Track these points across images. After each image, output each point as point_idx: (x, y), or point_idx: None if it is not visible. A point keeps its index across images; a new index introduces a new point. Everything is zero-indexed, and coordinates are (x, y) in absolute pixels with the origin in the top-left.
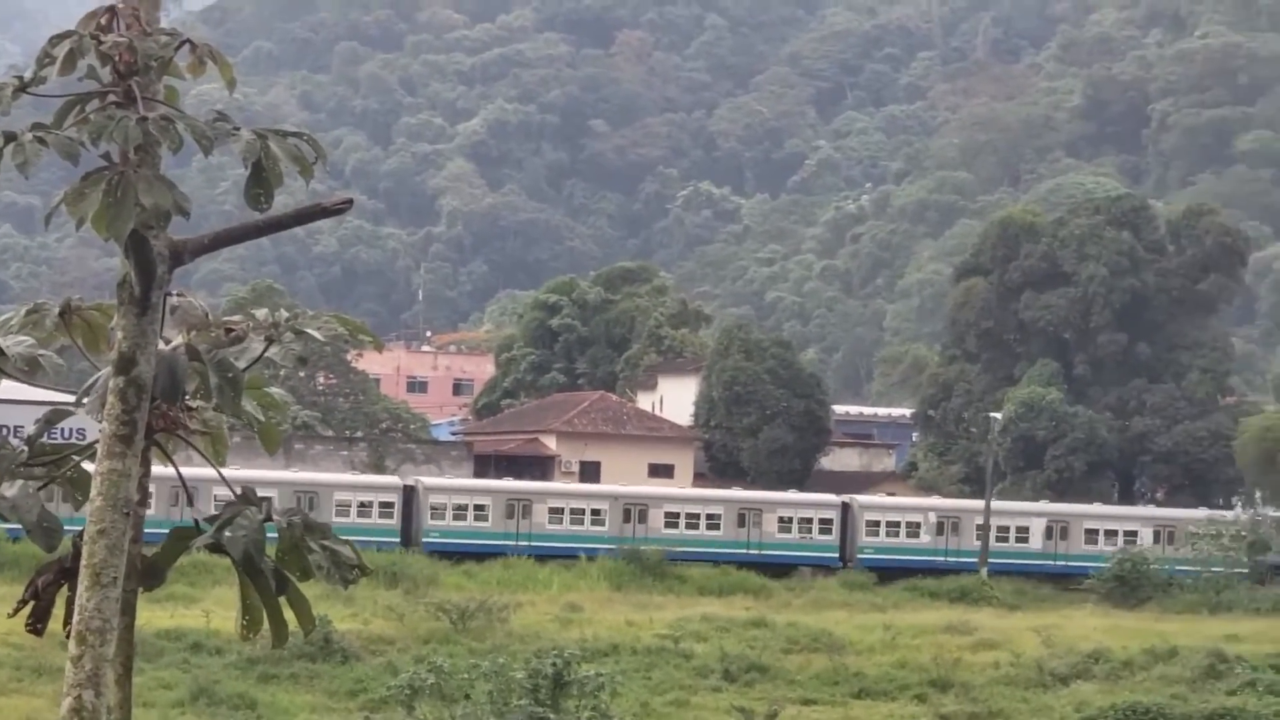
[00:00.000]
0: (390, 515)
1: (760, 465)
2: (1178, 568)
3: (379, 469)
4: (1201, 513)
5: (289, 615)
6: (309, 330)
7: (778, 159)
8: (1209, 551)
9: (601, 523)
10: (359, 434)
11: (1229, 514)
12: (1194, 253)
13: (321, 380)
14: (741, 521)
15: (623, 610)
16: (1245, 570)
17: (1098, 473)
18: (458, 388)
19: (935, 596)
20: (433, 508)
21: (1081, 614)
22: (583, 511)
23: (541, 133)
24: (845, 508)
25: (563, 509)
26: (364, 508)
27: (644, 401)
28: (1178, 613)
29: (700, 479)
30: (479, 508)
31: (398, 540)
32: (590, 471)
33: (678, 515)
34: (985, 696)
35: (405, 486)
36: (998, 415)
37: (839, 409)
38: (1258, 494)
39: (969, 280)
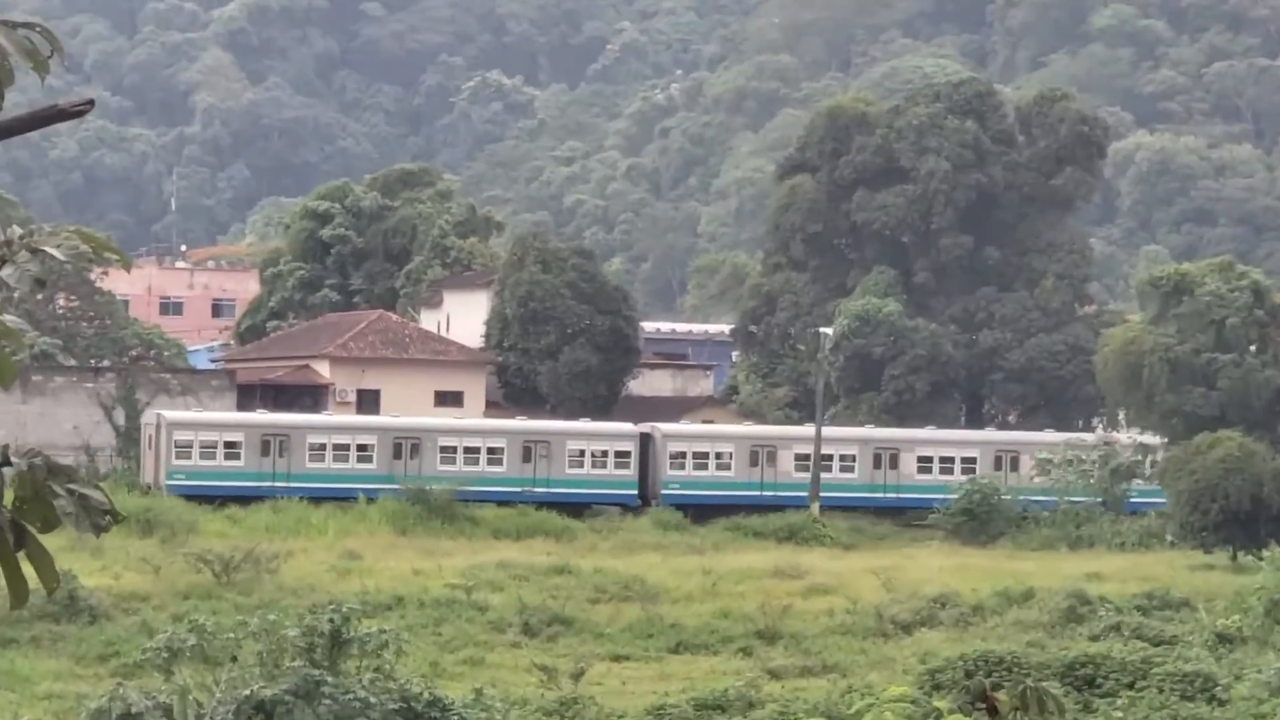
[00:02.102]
0: (627, 466)
1: (561, 390)
2: (1032, 499)
3: (130, 402)
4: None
5: (29, 572)
6: (47, 248)
7: (575, 44)
8: (1066, 480)
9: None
10: (105, 363)
11: (1089, 436)
12: (1047, 144)
13: (62, 303)
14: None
15: (408, 557)
16: (1105, 501)
17: (942, 393)
18: (217, 309)
19: (760, 536)
20: (672, 456)
21: (925, 553)
22: (830, 456)
23: (308, 18)
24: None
25: (806, 454)
26: (599, 458)
27: (428, 321)
28: (1033, 550)
29: (494, 408)
30: (720, 455)
31: (634, 494)
32: (369, 401)
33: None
34: (819, 648)
35: (642, 434)
36: (828, 331)
37: (649, 326)
38: (1120, 414)
39: (794, 178)
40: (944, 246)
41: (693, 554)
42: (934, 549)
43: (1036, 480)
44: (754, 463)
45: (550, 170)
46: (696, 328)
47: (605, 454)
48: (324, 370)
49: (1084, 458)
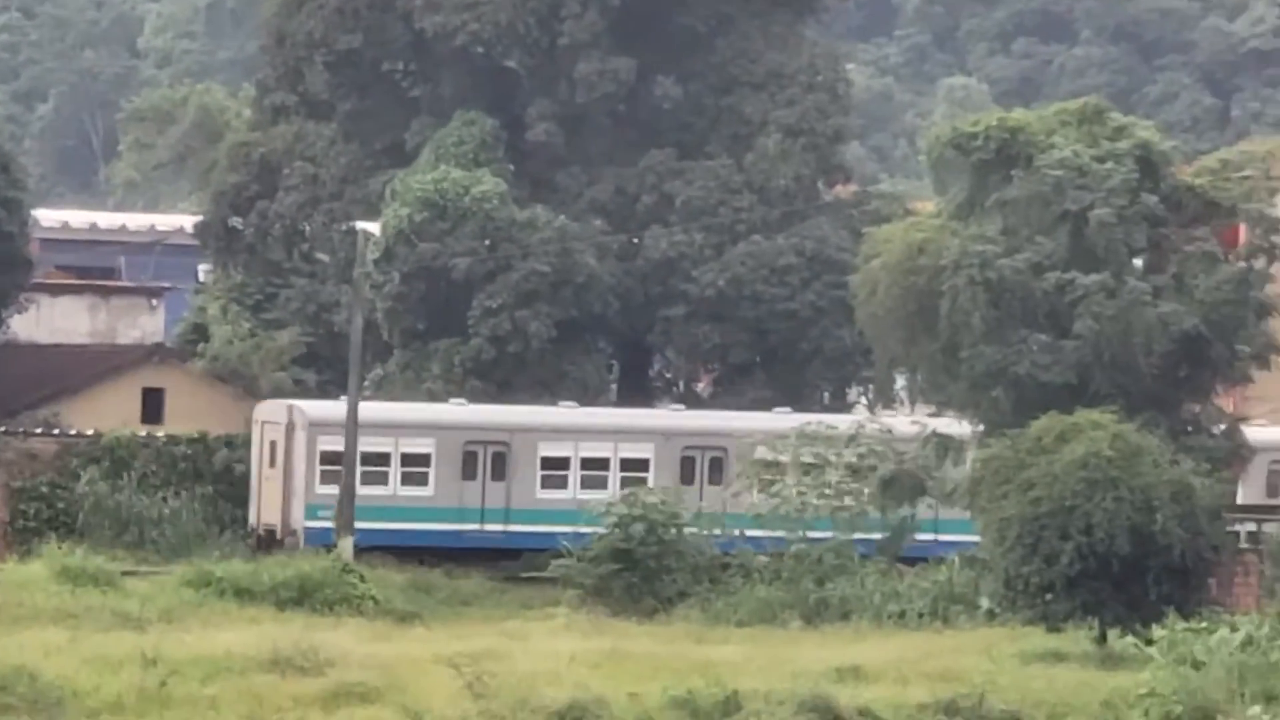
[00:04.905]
0: None
1: None
2: (744, 534)
3: None
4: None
5: None
6: None
7: None
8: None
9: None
10: None
11: (840, 419)
12: None
13: None
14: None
15: None
16: (872, 536)
17: (577, 340)
18: None
19: (248, 596)
20: None
21: (546, 630)
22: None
23: None
24: None
25: None
26: None
27: None
28: (740, 624)
29: None
30: None
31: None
32: None
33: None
34: None
35: None
36: (374, 227)
37: (48, 217)
38: (900, 380)
39: None
40: (582, 76)
41: (125, 628)
42: (561, 622)
43: (744, 499)
44: None
45: None
46: (135, 220)
47: None
48: None
49: (831, 459)
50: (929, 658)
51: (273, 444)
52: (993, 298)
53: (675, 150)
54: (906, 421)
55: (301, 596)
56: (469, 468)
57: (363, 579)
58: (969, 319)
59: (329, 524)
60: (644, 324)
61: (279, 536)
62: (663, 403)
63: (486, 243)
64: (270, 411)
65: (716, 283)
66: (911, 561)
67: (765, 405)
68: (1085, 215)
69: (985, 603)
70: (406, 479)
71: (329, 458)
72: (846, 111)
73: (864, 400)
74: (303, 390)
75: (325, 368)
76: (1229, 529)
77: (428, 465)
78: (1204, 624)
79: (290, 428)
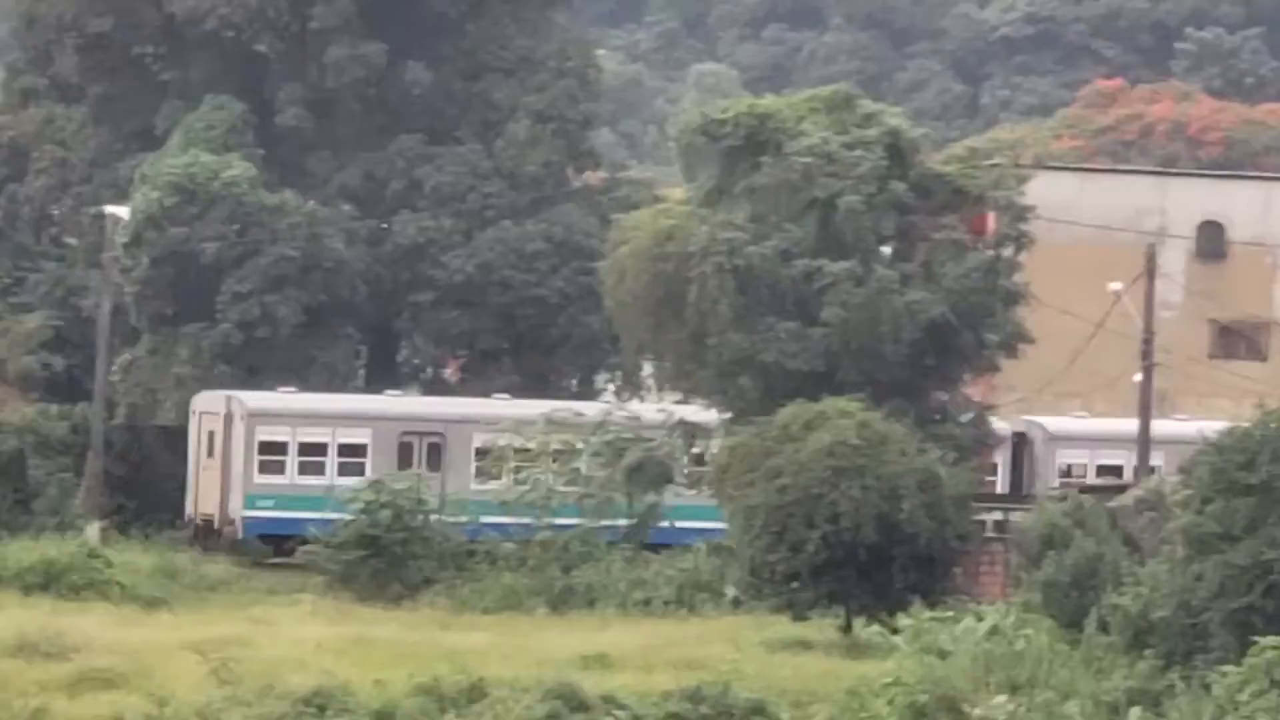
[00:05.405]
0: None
1: None
2: (488, 521)
3: None
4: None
5: None
6: None
7: None
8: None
9: None
10: None
11: (587, 407)
12: None
13: None
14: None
15: None
16: (620, 524)
17: (324, 325)
18: None
19: None
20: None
21: (293, 616)
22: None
23: None
24: None
25: None
26: None
27: None
28: (485, 612)
29: None
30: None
31: None
32: None
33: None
34: None
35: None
36: (123, 211)
37: None
38: (647, 367)
39: None
40: (332, 60)
41: None
42: (307, 608)
43: (492, 485)
44: None
45: None
46: None
47: None
48: None
49: (578, 445)
50: (674, 645)
51: (210, 434)
52: (740, 285)
53: (425, 135)
54: (654, 409)
55: (48, 581)
56: (405, 458)
57: (109, 564)
58: (717, 306)
59: (268, 513)
60: (392, 310)
61: (216, 526)
62: (410, 389)
63: (235, 227)
64: (208, 402)
65: (465, 269)
66: (657, 549)
67: (514, 392)
68: (834, 202)
69: (731, 591)
70: (343, 469)
71: (268, 448)
72: (596, 98)
73: (612, 387)
74: (50, 375)
75: (74, 352)
76: (975, 518)
77: (364, 456)
78: (950, 613)
79: (229, 418)
